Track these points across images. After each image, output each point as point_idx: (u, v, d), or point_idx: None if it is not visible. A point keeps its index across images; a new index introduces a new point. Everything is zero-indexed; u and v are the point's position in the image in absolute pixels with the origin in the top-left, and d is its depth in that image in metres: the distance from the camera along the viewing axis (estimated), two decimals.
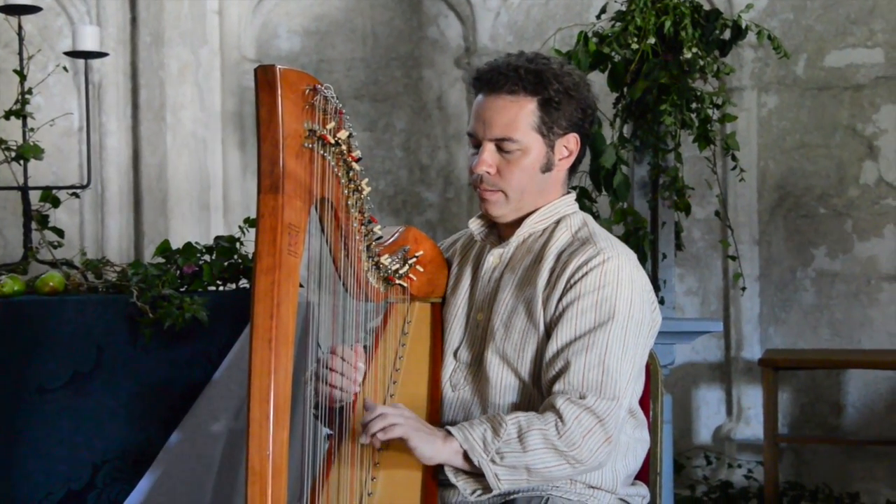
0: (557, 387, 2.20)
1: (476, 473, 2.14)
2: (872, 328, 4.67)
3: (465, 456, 2.13)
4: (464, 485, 2.15)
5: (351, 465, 2.16)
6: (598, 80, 3.26)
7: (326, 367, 2.25)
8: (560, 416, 2.15)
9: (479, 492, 2.15)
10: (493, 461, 2.12)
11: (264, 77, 1.94)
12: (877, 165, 4.68)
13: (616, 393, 2.19)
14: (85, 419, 3.10)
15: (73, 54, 3.92)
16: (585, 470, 2.19)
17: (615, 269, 2.25)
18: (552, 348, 2.24)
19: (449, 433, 2.14)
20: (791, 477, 4.70)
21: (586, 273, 2.25)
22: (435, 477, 2.20)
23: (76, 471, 3.10)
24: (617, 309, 2.23)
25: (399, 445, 2.21)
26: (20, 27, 3.75)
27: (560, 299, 2.26)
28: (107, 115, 4.95)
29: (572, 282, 2.26)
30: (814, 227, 4.72)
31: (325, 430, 2.29)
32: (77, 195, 3.77)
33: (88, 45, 3.85)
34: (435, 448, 2.12)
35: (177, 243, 3.41)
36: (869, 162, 4.68)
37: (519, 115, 2.29)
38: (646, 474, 2.49)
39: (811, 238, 4.73)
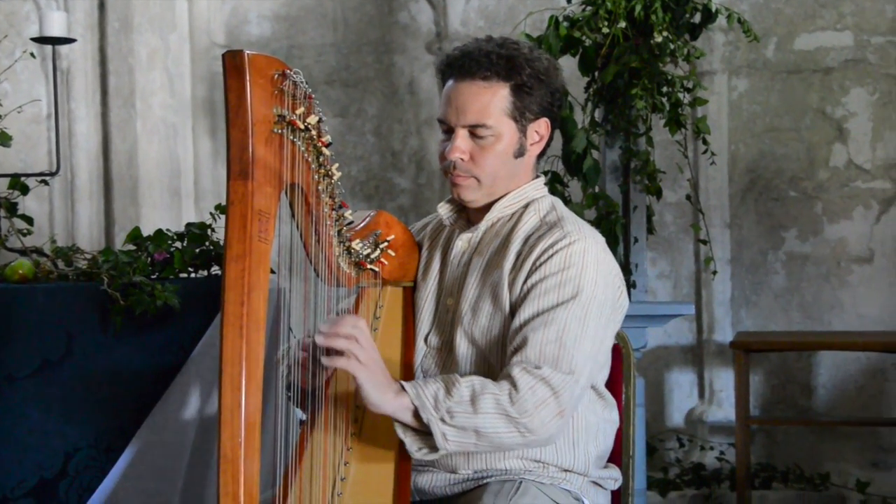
0: (515, 359, 2.20)
1: (424, 431, 2.13)
2: (842, 310, 4.70)
3: (416, 413, 2.12)
4: (410, 441, 2.14)
5: (324, 450, 2.16)
6: (568, 65, 3.27)
7: (299, 349, 2.24)
8: (514, 384, 2.15)
9: (424, 450, 2.14)
10: (442, 419, 2.11)
11: (233, 62, 1.93)
12: (846, 148, 4.70)
13: (572, 367, 2.18)
14: (56, 407, 3.09)
15: (41, 40, 3.89)
16: (536, 441, 2.18)
17: (581, 252, 2.25)
18: (514, 325, 2.24)
19: (402, 388, 2.13)
20: (763, 458, 4.73)
21: (552, 255, 2.25)
22: (408, 461, 2.20)
23: (48, 459, 3.09)
24: (580, 288, 2.23)
25: (372, 427, 2.22)
26: None
27: (525, 280, 2.26)
28: (75, 101, 4.92)
29: (538, 264, 2.26)
30: (784, 210, 4.75)
31: (299, 416, 2.29)
32: (46, 182, 3.74)
33: (56, 30, 3.82)
34: (384, 398, 2.11)
35: (147, 230, 3.40)
36: (838, 145, 4.71)
37: (492, 101, 2.29)
38: (618, 457, 2.50)
39: (782, 221, 4.75)
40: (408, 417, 2.13)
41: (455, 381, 2.14)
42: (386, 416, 2.16)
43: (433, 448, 2.13)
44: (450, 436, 2.12)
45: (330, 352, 2.09)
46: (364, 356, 2.10)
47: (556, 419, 2.16)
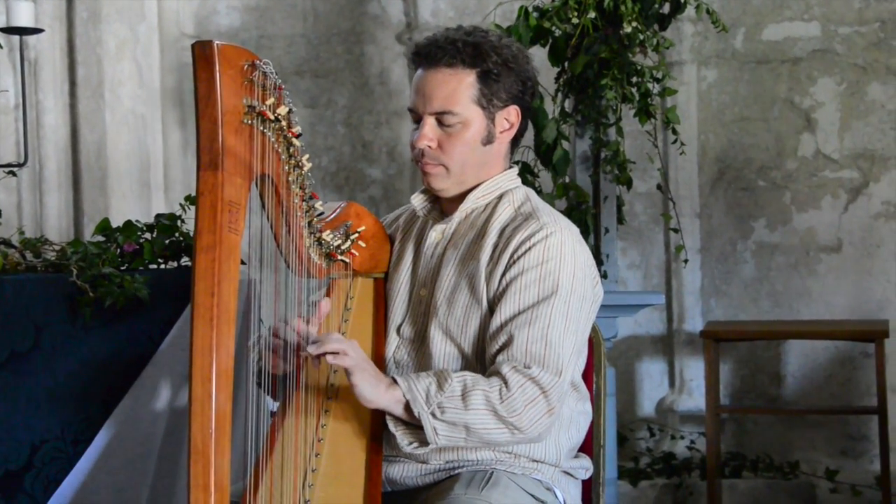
0: (501, 358, 2.21)
1: (415, 426, 2.15)
2: (811, 299, 4.72)
3: (407, 407, 2.14)
4: (401, 435, 2.16)
5: (295, 442, 2.16)
6: (539, 55, 3.26)
7: (272, 335, 2.24)
8: (505, 382, 2.16)
9: (415, 444, 2.16)
10: (433, 414, 2.13)
11: (202, 53, 1.92)
12: (814, 138, 4.73)
13: (559, 367, 2.20)
14: (23, 399, 3.07)
15: (8, 30, 3.86)
16: (525, 439, 2.20)
17: (558, 244, 2.26)
18: (496, 322, 2.25)
19: (394, 381, 2.15)
20: (733, 447, 4.76)
21: (529, 248, 2.26)
22: (379, 453, 2.20)
23: (14, 451, 3.07)
24: (560, 283, 2.24)
25: (343, 419, 2.22)
26: None
27: (503, 274, 2.27)
28: (44, 92, 4.88)
29: (515, 257, 2.26)
30: (753, 199, 4.77)
31: (271, 407, 2.28)
32: (14, 174, 3.72)
33: (23, 20, 3.79)
34: (377, 392, 2.13)
35: (117, 221, 3.38)
36: (807, 135, 4.73)
37: (458, 88, 2.29)
38: (589, 447, 2.51)
39: (751, 210, 4.77)
40: (399, 411, 2.15)
41: (447, 377, 2.16)
42: (357, 408, 2.17)
43: (423, 442, 2.15)
44: (440, 430, 2.13)
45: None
46: (354, 354, 2.12)
47: (545, 418, 2.19)
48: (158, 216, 3.35)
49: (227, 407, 1.86)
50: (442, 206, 2.44)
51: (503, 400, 2.15)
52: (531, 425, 2.18)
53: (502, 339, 2.23)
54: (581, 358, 2.40)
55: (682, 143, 3.92)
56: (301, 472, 2.13)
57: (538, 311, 2.23)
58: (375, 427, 2.21)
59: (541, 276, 2.25)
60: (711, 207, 4.79)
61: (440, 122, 2.31)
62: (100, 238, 3.32)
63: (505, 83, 2.32)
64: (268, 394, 2.25)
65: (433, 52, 2.30)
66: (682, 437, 4.77)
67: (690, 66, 4.77)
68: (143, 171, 4.91)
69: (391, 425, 2.16)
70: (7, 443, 3.07)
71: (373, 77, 4.97)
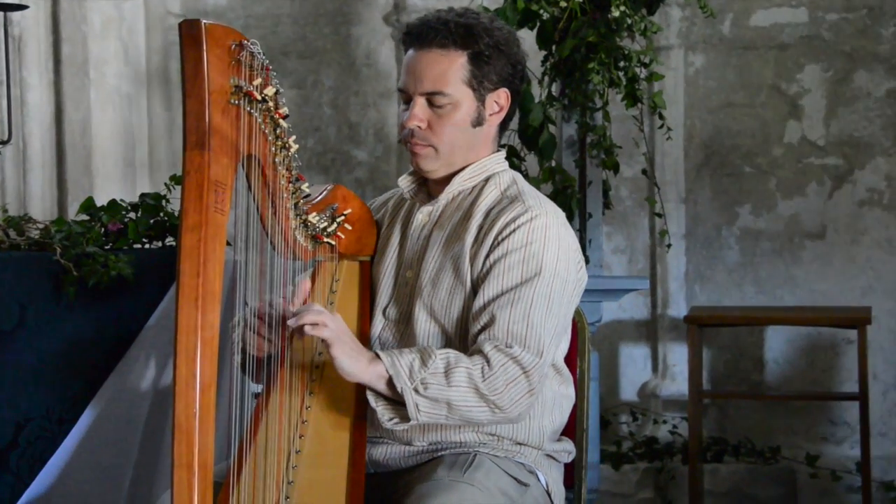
0: (483, 337, 2.21)
1: (396, 402, 2.15)
2: (795, 285, 4.74)
3: (389, 382, 2.13)
4: (382, 410, 2.15)
5: (279, 423, 2.16)
6: (526, 38, 3.26)
7: (255, 316, 2.24)
8: (487, 361, 2.17)
9: (396, 420, 2.15)
10: (416, 390, 2.12)
11: (189, 32, 1.92)
12: (800, 125, 4.73)
13: (540, 348, 2.21)
14: (7, 378, 3.07)
15: None
16: (506, 418, 2.20)
17: (542, 227, 2.27)
18: (478, 303, 2.25)
19: (377, 356, 2.14)
20: (715, 432, 4.78)
21: (514, 230, 2.26)
22: (363, 434, 2.21)
23: None
24: (543, 265, 2.24)
25: (327, 401, 2.22)
26: None
27: (487, 256, 2.27)
28: (28, 69, 4.85)
29: (500, 238, 2.27)
30: (739, 185, 4.77)
31: (254, 388, 2.28)
32: None
33: None
34: (358, 366, 2.13)
35: (101, 200, 3.37)
36: (793, 121, 4.74)
37: (449, 69, 2.29)
38: (572, 430, 2.52)
39: (736, 196, 4.78)
40: (381, 386, 2.14)
41: (430, 353, 2.16)
42: (341, 389, 2.17)
43: (405, 418, 2.14)
44: (422, 406, 2.13)
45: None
46: (334, 326, 2.11)
47: (526, 397, 2.19)
48: (143, 196, 3.34)
49: (211, 387, 1.86)
50: (429, 189, 2.44)
51: (485, 378, 2.16)
52: (511, 404, 2.18)
53: (484, 318, 2.23)
54: (564, 341, 2.40)
55: (669, 129, 3.92)
56: (285, 453, 2.14)
57: (521, 292, 2.23)
58: (359, 409, 2.21)
59: (524, 258, 2.25)
60: (697, 193, 4.80)
61: (431, 103, 2.31)
62: (84, 217, 3.31)
63: (496, 66, 2.32)
64: (251, 378, 2.25)
65: (425, 33, 2.30)
66: (665, 422, 4.78)
67: (678, 52, 4.77)
68: (127, 150, 4.89)
69: (372, 401, 2.16)
70: None
71: (360, 58, 4.96)
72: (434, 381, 2.13)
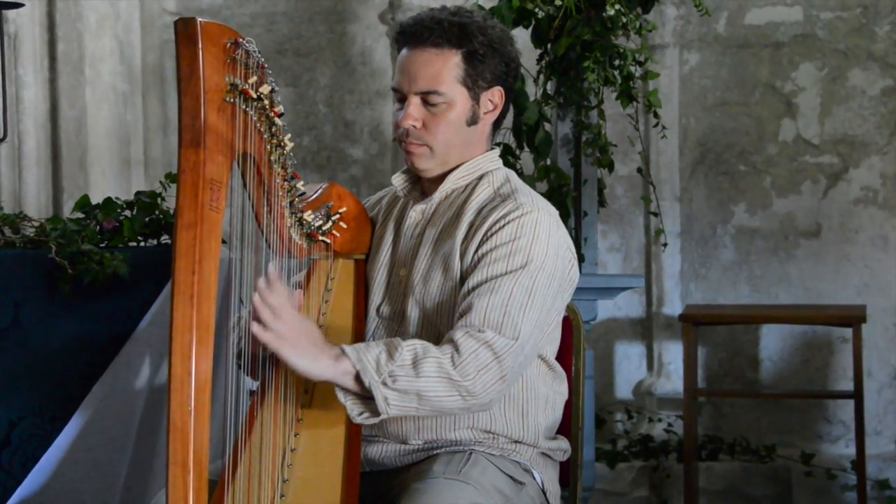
0: (459, 324, 2.20)
1: (365, 396, 2.12)
2: (790, 283, 4.74)
3: (357, 377, 2.10)
4: (351, 405, 2.12)
5: (274, 421, 2.16)
6: (521, 37, 3.26)
7: (251, 316, 2.23)
8: (457, 348, 2.14)
9: (365, 414, 2.12)
10: (384, 383, 2.09)
11: (184, 30, 1.92)
12: (795, 123, 4.74)
13: (515, 334, 2.18)
14: (1, 375, 3.07)
15: None
16: (477, 405, 2.17)
17: (533, 223, 2.26)
18: (462, 292, 2.24)
19: (343, 352, 2.12)
20: (710, 430, 4.78)
21: (504, 225, 2.26)
22: (359, 433, 2.21)
23: None
24: (529, 258, 2.23)
25: (322, 399, 2.22)
26: None
27: (476, 250, 2.27)
28: (23, 67, 4.85)
29: (489, 234, 2.26)
30: (734, 183, 4.78)
31: (250, 387, 2.28)
32: None
33: None
34: (318, 365, 2.09)
35: (96, 198, 3.37)
36: (787, 119, 4.74)
37: (444, 68, 2.29)
38: (567, 429, 2.52)
39: (731, 195, 4.78)
40: (349, 382, 2.11)
41: (397, 345, 2.13)
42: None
43: (374, 412, 2.11)
44: (391, 400, 2.10)
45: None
46: (285, 328, 2.07)
47: (497, 384, 2.16)
48: (138, 193, 3.34)
49: (206, 385, 1.86)
50: (422, 187, 2.44)
51: (455, 365, 2.13)
52: (483, 391, 2.15)
53: (463, 306, 2.22)
54: (553, 337, 2.39)
55: (664, 127, 3.93)
56: (280, 451, 2.14)
57: (502, 282, 2.21)
58: None
59: (511, 252, 2.24)
60: (692, 191, 4.80)
61: (425, 102, 2.31)
62: (79, 215, 3.31)
63: (490, 64, 2.32)
64: (247, 374, 2.24)
65: (419, 32, 2.30)
66: (660, 420, 4.79)
67: (673, 50, 4.77)
68: (123, 147, 4.89)
69: (340, 396, 2.12)
70: None
71: (355, 56, 4.96)
72: (402, 374, 2.10)
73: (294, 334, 2.09)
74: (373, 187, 4.77)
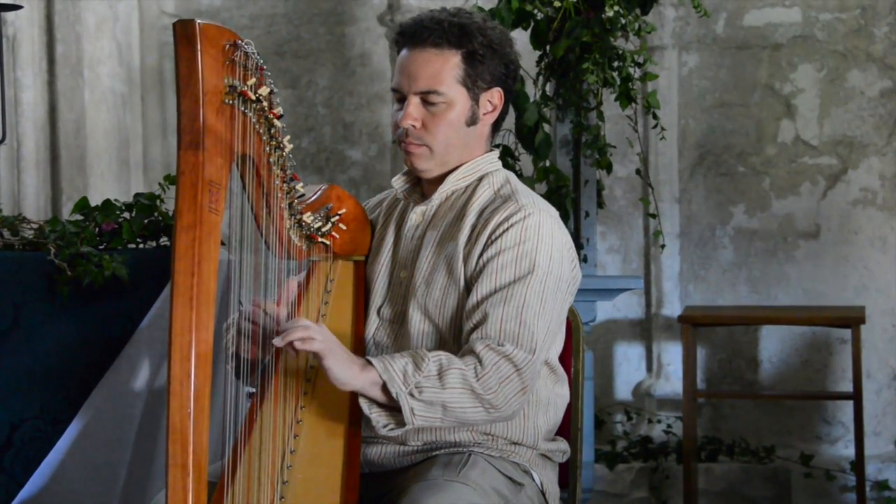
0: (475, 336, 2.21)
1: (390, 407, 2.14)
2: (789, 285, 4.74)
3: (384, 388, 2.13)
4: (377, 417, 2.14)
5: (273, 423, 2.16)
6: (520, 38, 3.27)
7: (248, 321, 2.24)
8: (480, 360, 2.17)
9: (391, 426, 2.15)
10: (411, 394, 2.12)
11: (183, 32, 1.92)
12: (794, 124, 4.74)
13: (533, 346, 2.21)
14: (2, 378, 3.06)
15: None
16: (500, 417, 2.21)
17: (536, 225, 2.27)
18: (471, 301, 2.25)
19: (369, 363, 2.14)
20: (709, 431, 4.78)
21: (507, 229, 2.27)
22: (357, 434, 2.21)
23: None
24: (536, 263, 2.25)
25: (321, 400, 2.22)
26: None
27: (480, 255, 2.28)
28: (22, 69, 4.85)
29: (493, 237, 2.27)
30: (733, 185, 4.78)
31: (248, 389, 2.28)
32: None
33: None
34: (351, 373, 2.12)
35: (95, 200, 3.37)
36: (786, 121, 4.74)
37: (444, 68, 2.30)
38: (567, 430, 2.52)
39: (730, 196, 4.78)
40: (375, 392, 2.14)
41: (423, 356, 2.15)
42: (336, 389, 2.16)
43: (400, 423, 2.14)
44: (417, 410, 2.13)
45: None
46: (322, 338, 2.11)
47: (519, 395, 2.19)
48: (137, 195, 3.34)
49: (205, 387, 1.87)
50: (422, 189, 2.44)
51: (479, 378, 2.16)
52: (506, 403, 2.18)
53: (477, 316, 2.23)
54: (557, 339, 2.40)
55: (663, 128, 3.93)
56: (279, 453, 2.14)
57: (513, 290, 2.23)
58: (354, 409, 2.21)
59: (518, 256, 2.25)
60: (691, 192, 4.80)
61: (425, 102, 2.31)
62: (78, 217, 3.31)
63: (489, 65, 2.33)
64: (245, 383, 2.25)
65: (419, 33, 2.30)
66: (659, 422, 4.79)
67: (671, 51, 4.77)
68: (122, 149, 4.89)
69: (365, 408, 2.15)
70: None
71: (354, 58, 4.96)
72: (428, 385, 2.13)
73: (331, 344, 2.13)
74: (372, 189, 4.77)
